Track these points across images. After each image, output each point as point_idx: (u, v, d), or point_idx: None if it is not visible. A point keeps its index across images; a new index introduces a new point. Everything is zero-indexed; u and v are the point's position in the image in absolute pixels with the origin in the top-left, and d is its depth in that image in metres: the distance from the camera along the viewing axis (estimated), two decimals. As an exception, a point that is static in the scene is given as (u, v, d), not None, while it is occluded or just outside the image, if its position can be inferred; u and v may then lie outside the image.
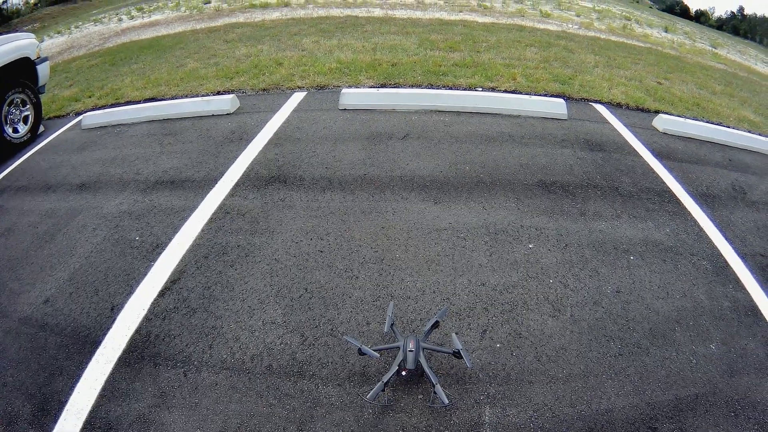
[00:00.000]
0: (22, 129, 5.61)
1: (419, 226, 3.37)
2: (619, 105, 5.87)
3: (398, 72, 5.79)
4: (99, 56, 11.04)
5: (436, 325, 2.41)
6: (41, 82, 6.15)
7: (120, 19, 22.21)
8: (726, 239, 3.59)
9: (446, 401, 2.10)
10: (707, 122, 6.06)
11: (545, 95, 5.55)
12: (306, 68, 6.09)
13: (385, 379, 2.16)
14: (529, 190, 3.83)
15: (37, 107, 5.86)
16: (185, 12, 18.18)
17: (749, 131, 6.28)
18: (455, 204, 3.62)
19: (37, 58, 6.08)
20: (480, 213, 3.53)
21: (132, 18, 21.39)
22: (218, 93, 5.71)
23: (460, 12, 13.07)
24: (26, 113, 5.71)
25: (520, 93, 5.49)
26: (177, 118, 5.24)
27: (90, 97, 6.80)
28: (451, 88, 5.43)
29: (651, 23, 23.18)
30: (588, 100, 5.78)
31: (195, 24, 13.18)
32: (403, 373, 2.17)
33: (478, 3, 16.25)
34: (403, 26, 9.35)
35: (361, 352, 2.25)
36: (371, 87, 5.29)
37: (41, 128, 5.97)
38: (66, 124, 5.96)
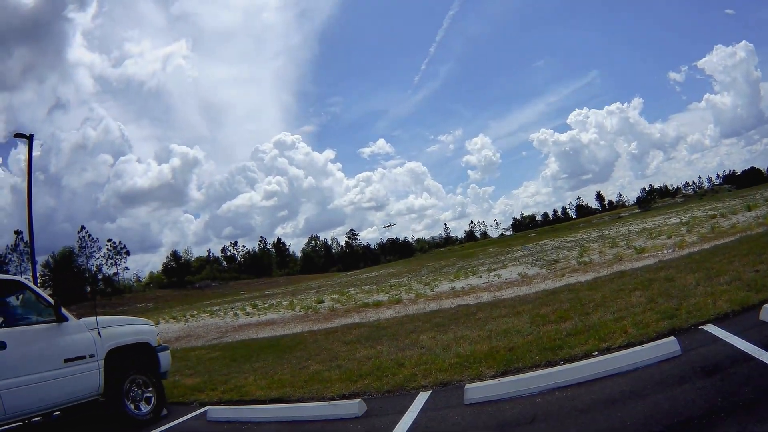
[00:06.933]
0: (145, 408, 6.19)
1: None
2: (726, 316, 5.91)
3: (516, 356, 5.96)
4: (219, 350, 11.90)
5: None
6: (163, 369, 6.70)
7: (236, 315, 24.41)
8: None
9: None
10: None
11: (657, 337, 5.64)
12: (427, 366, 6.31)
13: None
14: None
15: (159, 390, 6.41)
16: (300, 312, 19.70)
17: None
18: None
19: (158, 345, 6.75)
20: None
21: (247, 315, 23.20)
22: (344, 396, 5.92)
23: (563, 276, 14.01)
24: (148, 395, 6.29)
25: (633, 344, 5.56)
26: (304, 421, 5.44)
27: (213, 389, 7.34)
28: (568, 360, 5.59)
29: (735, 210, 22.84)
30: (697, 325, 5.86)
31: (312, 324, 14.04)
32: None
33: (577, 261, 17.51)
34: (513, 306, 9.76)
35: None
36: (492, 377, 5.52)
37: (164, 411, 6.47)
38: (190, 413, 6.50)
